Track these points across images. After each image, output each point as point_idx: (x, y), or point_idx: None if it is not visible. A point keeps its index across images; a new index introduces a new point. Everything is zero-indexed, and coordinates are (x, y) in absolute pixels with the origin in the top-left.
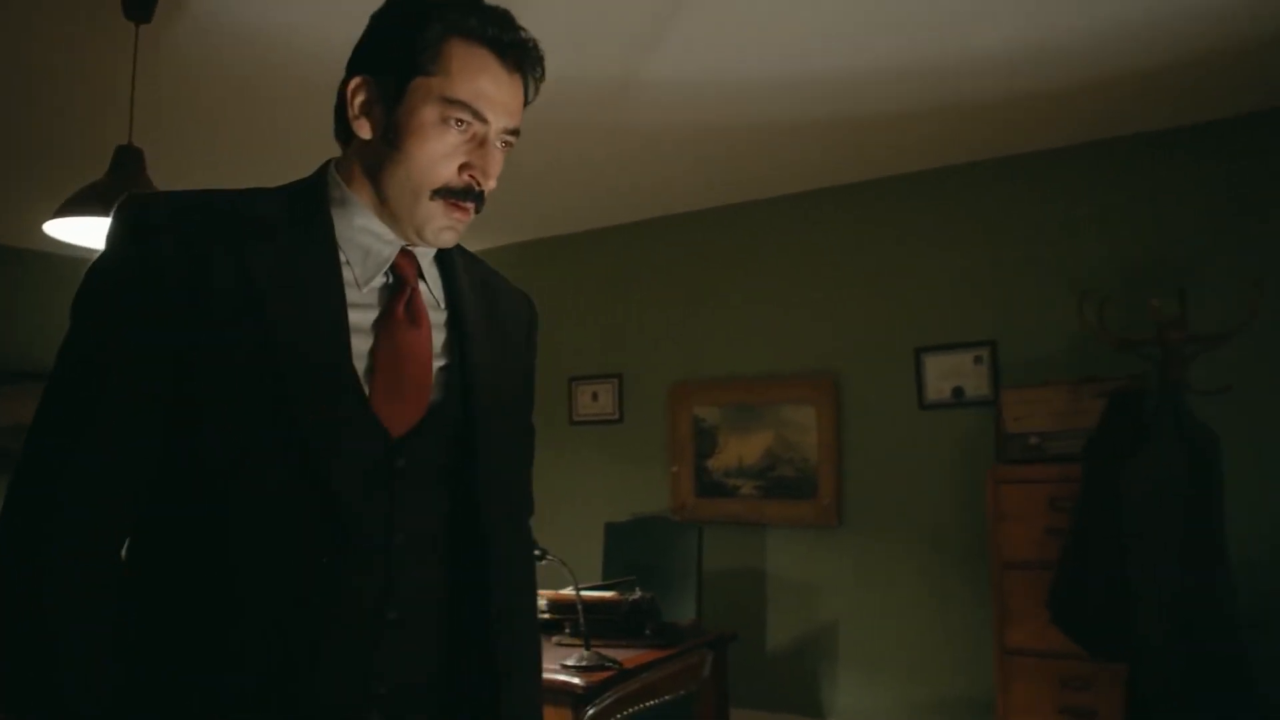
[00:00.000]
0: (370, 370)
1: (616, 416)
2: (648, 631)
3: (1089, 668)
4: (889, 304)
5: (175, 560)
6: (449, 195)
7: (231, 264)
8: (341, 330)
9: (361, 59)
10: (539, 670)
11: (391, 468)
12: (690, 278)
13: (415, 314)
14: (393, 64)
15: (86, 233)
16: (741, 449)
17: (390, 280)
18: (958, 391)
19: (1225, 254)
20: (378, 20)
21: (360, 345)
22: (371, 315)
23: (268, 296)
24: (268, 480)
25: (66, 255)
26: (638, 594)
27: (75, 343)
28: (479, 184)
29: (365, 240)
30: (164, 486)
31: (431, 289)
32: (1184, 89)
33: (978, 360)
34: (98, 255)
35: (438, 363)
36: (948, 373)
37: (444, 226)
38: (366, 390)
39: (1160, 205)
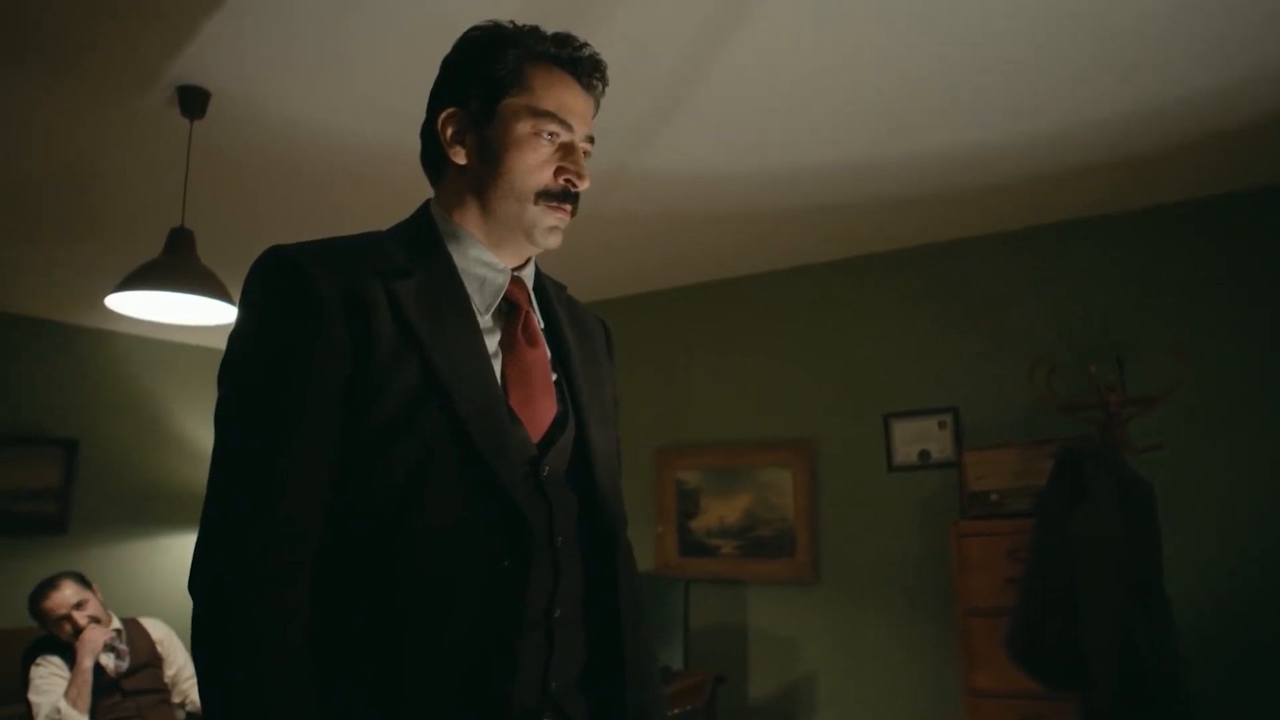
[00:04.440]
0: (504, 388)
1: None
2: None
3: (1047, 705)
4: (861, 374)
5: (365, 582)
6: (549, 198)
7: (384, 300)
8: (485, 354)
9: (445, 94)
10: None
11: (539, 475)
12: (674, 349)
13: (532, 335)
14: (479, 92)
15: (145, 306)
16: (722, 510)
17: (504, 306)
18: (924, 454)
19: (1158, 326)
20: (455, 59)
21: (493, 366)
22: (495, 338)
23: (420, 328)
24: (451, 494)
25: (121, 332)
26: None
27: (251, 389)
28: (575, 185)
29: (480, 271)
30: (346, 510)
31: (535, 311)
32: (1122, 181)
33: (942, 425)
34: (248, 307)
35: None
36: (915, 437)
37: (550, 226)
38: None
39: (1101, 283)
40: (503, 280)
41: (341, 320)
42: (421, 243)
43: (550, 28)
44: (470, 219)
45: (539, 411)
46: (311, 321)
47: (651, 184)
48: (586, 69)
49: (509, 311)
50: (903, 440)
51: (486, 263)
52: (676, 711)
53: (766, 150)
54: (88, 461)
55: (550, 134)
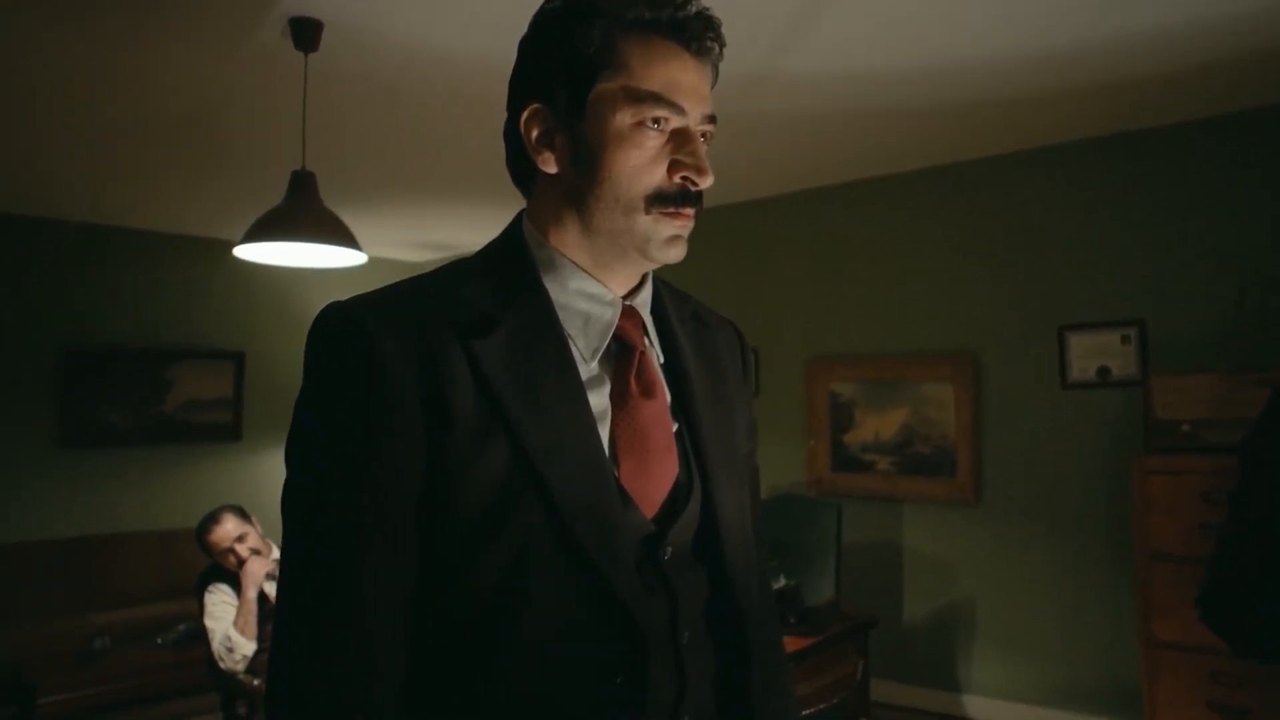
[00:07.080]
0: (613, 455)
1: (752, 391)
2: (792, 620)
3: (1242, 666)
4: (1031, 280)
5: (456, 704)
6: (664, 203)
7: (463, 369)
8: (589, 423)
9: (525, 88)
10: None
11: (659, 560)
12: (826, 253)
13: (649, 384)
14: (564, 80)
15: (271, 254)
16: (878, 425)
17: (614, 346)
18: (1103, 371)
19: None
20: (531, 43)
21: (600, 429)
22: (603, 390)
23: (507, 399)
24: (551, 602)
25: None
26: (781, 582)
27: (316, 488)
28: (695, 183)
29: (583, 306)
30: (431, 620)
31: (653, 344)
32: None
33: (1125, 340)
34: (310, 383)
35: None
36: (1093, 352)
37: (669, 237)
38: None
39: None
40: (611, 315)
41: (415, 399)
42: (512, 276)
43: None
44: (569, 240)
45: (656, 481)
46: (382, 405)
47: (799, 84)
48: (695, 31)
49: (620, 352)
50: (1079, 355)
51: (591, 295)
52: (823, 707)
53: (922, 44)
54: (253, 373)
55: (657, 121)
